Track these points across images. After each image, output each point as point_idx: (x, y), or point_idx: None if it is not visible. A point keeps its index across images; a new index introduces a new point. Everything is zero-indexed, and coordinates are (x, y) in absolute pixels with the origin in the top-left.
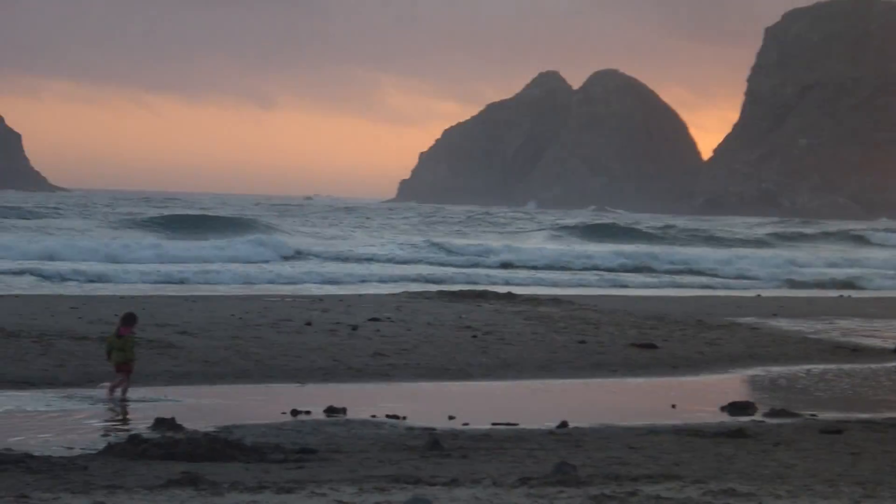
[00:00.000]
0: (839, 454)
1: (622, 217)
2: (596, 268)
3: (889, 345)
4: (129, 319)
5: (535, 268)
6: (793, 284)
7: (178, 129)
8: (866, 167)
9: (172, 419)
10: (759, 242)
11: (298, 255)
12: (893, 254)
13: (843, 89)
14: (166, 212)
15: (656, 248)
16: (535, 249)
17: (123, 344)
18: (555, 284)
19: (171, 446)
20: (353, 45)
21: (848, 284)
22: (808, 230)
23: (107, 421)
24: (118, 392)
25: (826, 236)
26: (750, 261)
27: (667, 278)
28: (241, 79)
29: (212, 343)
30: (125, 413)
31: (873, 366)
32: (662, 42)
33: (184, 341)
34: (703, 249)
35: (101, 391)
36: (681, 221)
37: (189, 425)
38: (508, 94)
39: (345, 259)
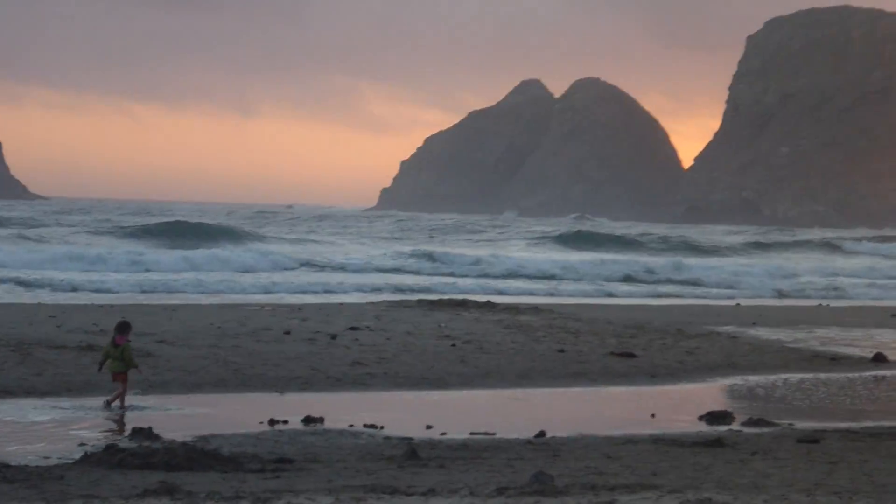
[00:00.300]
0: (816, 463)
1: (604, 225)
2: (578, 276)
3: (867, 354)
4: (124, 328)
5: (517, 276)
6: (772, 293)
7: (160, 136)
8: (847, 176)
9: (149, 428)
10: (738, 251)
11: (280, 263)
12: (870, 262)
13: (825, 97)
14: (147, 220)
15: (638, 257)
16: (517, 258)
17: (121, 353)
18: (535, 293)
19: (148, 456)
20: (335, 54)
21: (828, 293)
22: (787, 238)
23: (84, 430)
24: (117, 402)
25: (803, 245)
26: (730, 269)
27: (647, 287)
28: (222, 86)
29: (190, 352)
30: (122, 422)
31: (851, 375)
32: (644, 50)
33: (162, 350)
34: (684, 258)
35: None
36: (661, 229)
37: (166, 435)
38: (490, 102)
39: (324, 267)
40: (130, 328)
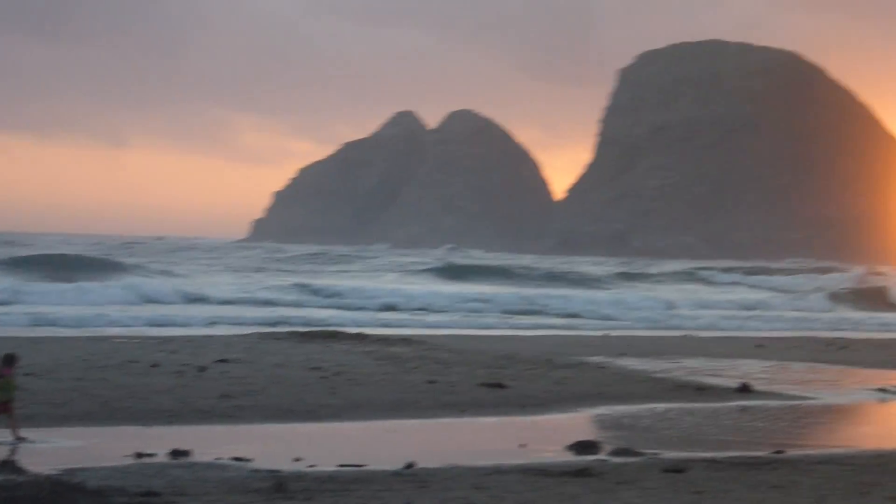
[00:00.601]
0: (681, 493)
1: (477, 257)
2: (450, 307)
3: (732, 384)
4: (10, 360)
5: (390, 308)
6: (641, 324)
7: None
8: (715, 208)
9: (14, 462)
10: (608, 282)
11: (147, 295)
12: (736, 293)
13: (694, 131)
14: (16, 252)
15: (509, 288)
16: (390, 290)
17: (6, 384)
18: (408, 325)
19: (13, 490)
20: (208, 84)
21: (694, 323)
22: (655, 270)
23: None
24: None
25: (671, 276)
26: (599, 300)
27: (517, 319)
28: (92, 117)
29: (57, 385)
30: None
31: (716, 405)
32: (517, 83)
33: (29, 383)
34: (555, 289)
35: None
36: (534, 260)
37: (32, 468)
38: (364, 133)
39: (194, 300)
40: (17, 360)
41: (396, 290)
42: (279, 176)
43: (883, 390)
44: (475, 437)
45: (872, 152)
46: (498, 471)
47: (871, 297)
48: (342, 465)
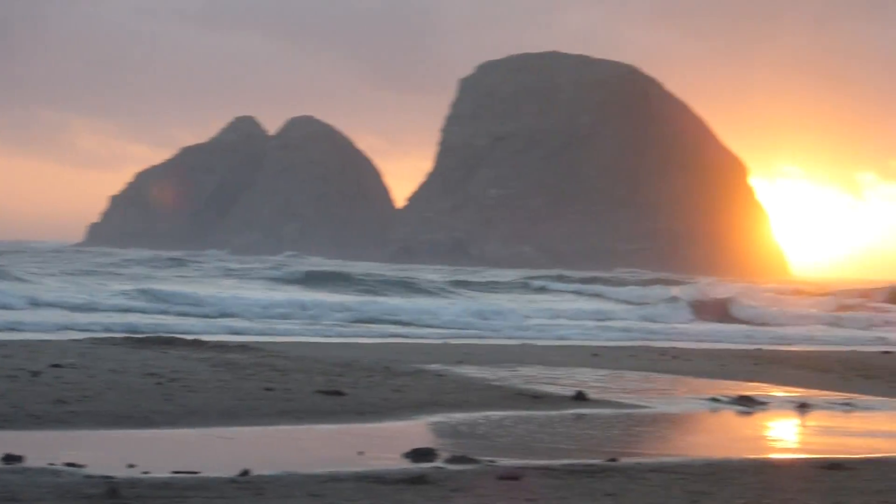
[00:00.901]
0: (516, 500)
1: (317, 263)
2: (290, 314)
3: (569, 392)
4: None
5: (228, 315)
6: (480, 331)
7: None
8: (554, 218)
9: None
10: (448, 290)
11: None
12: (574, 302)
13: (533, 141)
14: None
15: (350, 296)
16: (228, 296)
17: None
18: (247, 332)
19: None
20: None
21: (533, 332)
22: (495, 278)
23: None
24: None
25: (510, 284)
26: (439, 308)
27: (356, 326)
28: None
29: None
30: None
31: (552, 413)
32: (359, 90)
33: None
34: (394, 296)
35: None
36: (374, 268)
37: None
38: (203, 138)
39: (28, 306)
40: None
41: (234, 296)
42: (116, 180)
43: (714, 400)
44: (312, 445)
45: (707, 166)
46: (334, 478)
47: (710, 309)
48: (177, 472)
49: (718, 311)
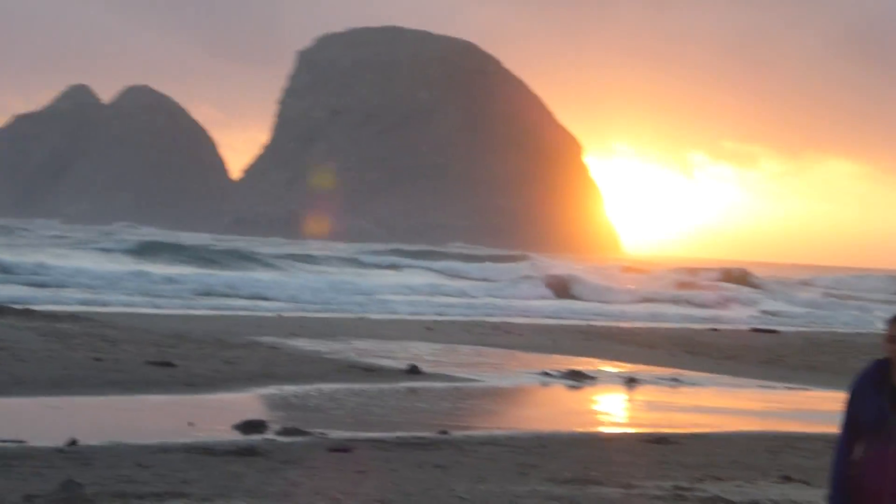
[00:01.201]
0: (346, 472)
1: (151, 234)
2: (123, 285)
3: (402, 365)
4: None
5: (63, 285)
6: (313, 305)
7: None
8: (390, 193)
9: None
10: (281, 263)
11: None
12: (408, 276)
13: (371, 116)
14: None
15: (183, 267)
16: (59, 265)
17: None
18: (76, 301)
19: None
20: None
21: (367, 306)
22: (328, 252)
23: None
24: None
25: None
26: (272, 281)
27: (189, 299)
28: None
29: None
30: None
31: (385, 386)
32: (195, 61)
33: None
34: (228, 269)
35: None
36: (203, 239)
37: None
38: (36, 106)
39: None
40: None
41: (64, 265)
42: None
43: (545, 374)
44: (142, 416)
45: (543, 143)
46: (163, 449)
47: (545, 285)
48: (2, 441)
49: (553, 287)
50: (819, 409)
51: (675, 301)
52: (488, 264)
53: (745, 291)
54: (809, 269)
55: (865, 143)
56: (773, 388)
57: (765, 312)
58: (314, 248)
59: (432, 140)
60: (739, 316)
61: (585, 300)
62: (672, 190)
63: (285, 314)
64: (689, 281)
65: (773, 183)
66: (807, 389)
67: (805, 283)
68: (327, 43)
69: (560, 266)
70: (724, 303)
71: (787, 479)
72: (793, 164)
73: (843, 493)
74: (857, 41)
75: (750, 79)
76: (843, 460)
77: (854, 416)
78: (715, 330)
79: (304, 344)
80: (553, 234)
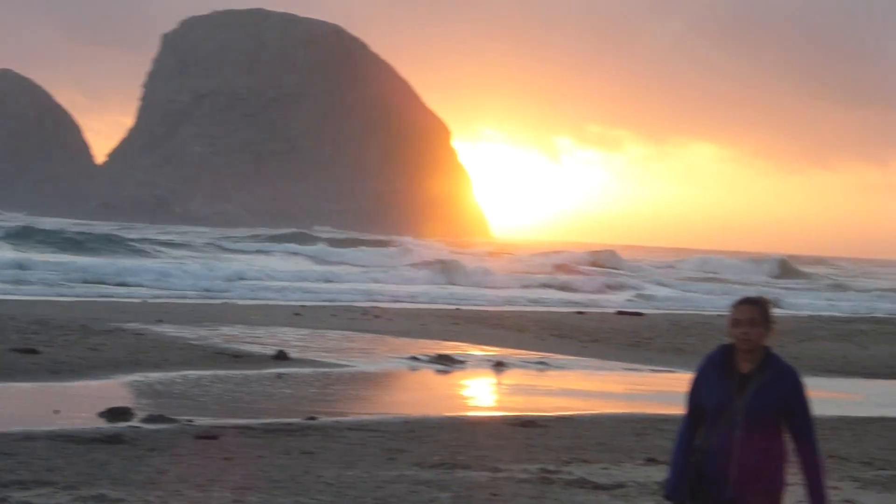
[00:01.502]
0: (213, 459)
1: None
2: None
3: (269, 351)
4: None
5: None
6: (180, 291)
7: None
8: (257, 177)
9: None
10: (148, 248)
11: None
12: (276, 261)
13: (237, 99)
14: None
15: (45, 253)
16: None
17: None
18: None
19: None
20: None
21: (232, 292)
22: (195, 237)
23: None
24: None
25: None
26: (138, 267)
27: (53, 286)
28: None
29: None
30: None
31: (252, 372)
32: (58, 44)
33: None
34: (92, 254)
35: None
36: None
37: None
38: None
39: None
40: None
41: None
42: None
43: (414, 358)
44: (5, 404)
45: (411, 128)
46: (28, 437)
47: (418, 269)
48: None
49: (426, 271)
50: (684, 391)
51: (547, 285)
52: (362, 249)
53: (614, 274)
54: (675, 251)
55: (728, 126)
56: (639, 370)
57: (636, 295)
58: (180, 233)
59: (299, 124)
60: (609, 299)
61: (458, 285)
62: (539, 174)
63: (151, 300)
64: (560, 264)
65: (638, 167)
66: (672, 371)
67: (671, 266)
68: (192, 26)
69: (432, 250)
70: (594, 286)
71: (652, 461)
72: (658, 147)
73: (683, 478)
74: (719, 25)
75: (615, 63)
76: (685, 445)
77: (698, 402)
78: (581, 313)
79: (169, 330)
80: (421, 217)
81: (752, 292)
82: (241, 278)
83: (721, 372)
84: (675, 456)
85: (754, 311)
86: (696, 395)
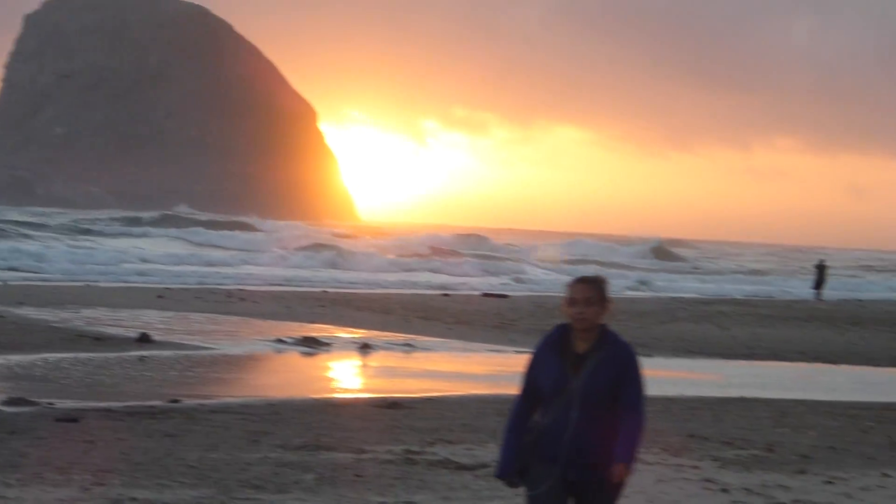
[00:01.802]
0: (74, 442)
1: None
2: None
3: (132, 334)
4: None
5: None
6: (40, 273)
7: None
8: (121, 159)
9: None
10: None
11: None
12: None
13: (100, 80)
14: None
15: None
16: None
17: None
18: None
19: None
20: None
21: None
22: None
23: None
24: None
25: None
26: None
27: None
28: None
29: None
30: None
31: (114, 355)
32: None
33: None
34: None
35: None
36: None
37: None
38: None
39: None
40: None
41: None
42: None
43: (279, 341)
44: None
45: (277, 110)
46: None
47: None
48: None
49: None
50: None
51: (404, 266)
52: (232, 233)
53: (481, 257)
54: (541, 234)
55: (590, 110)
56: (504, 351)
57: (503, 277)
58: (41, 214)
59: (163, 105)
60: (479, 281)
61: (322, 267)
62: (406, 157)
63: (11, 283)
64: (419, 245)
65: (503, 150)
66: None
67: (536, 248)
68: (54, 6)
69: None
70: (460, 269)
71: None
72: (522, 131)
73: (514, 458)
74: (579, 11)
75: (480, 47)
76: (518, 424)
77: (533, 381)
78: (447, 295)
79: (30, 312)
80: (287, 199)
81: (607, 273)
82: (103, 261)
83: (557, 352)
84: (507, 435)
85: (590, 290)
86: (532, 376)
